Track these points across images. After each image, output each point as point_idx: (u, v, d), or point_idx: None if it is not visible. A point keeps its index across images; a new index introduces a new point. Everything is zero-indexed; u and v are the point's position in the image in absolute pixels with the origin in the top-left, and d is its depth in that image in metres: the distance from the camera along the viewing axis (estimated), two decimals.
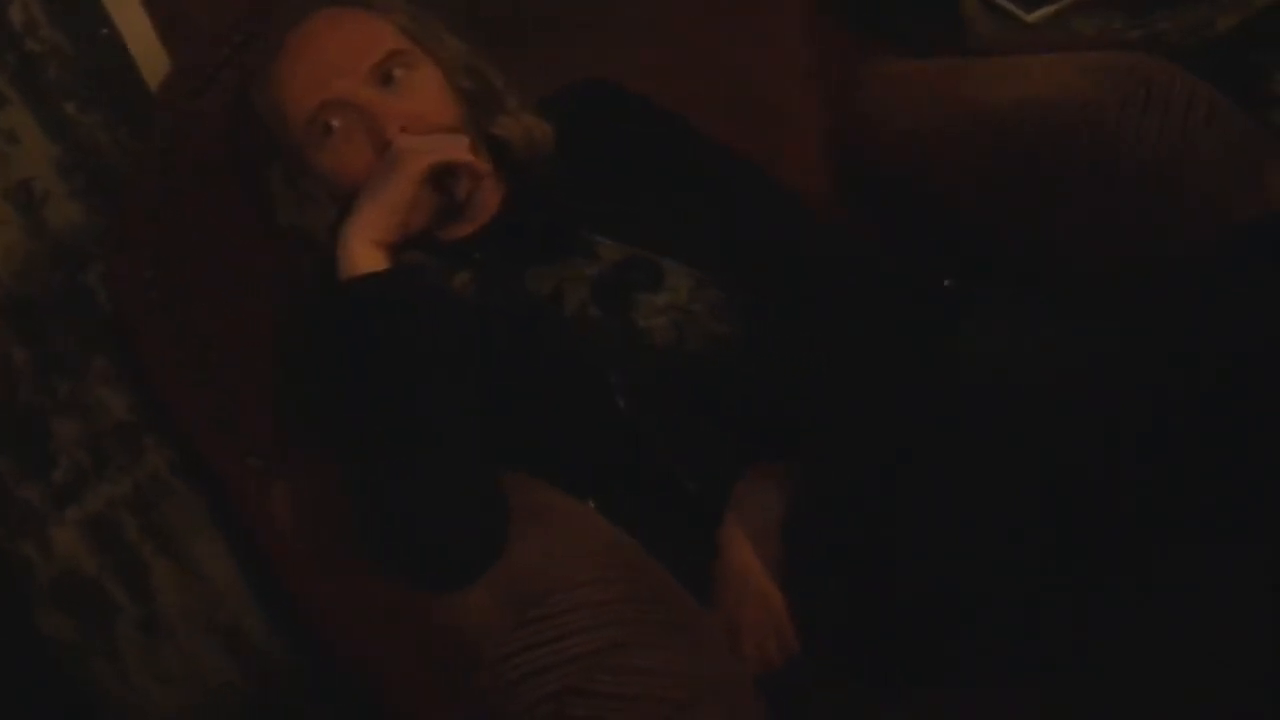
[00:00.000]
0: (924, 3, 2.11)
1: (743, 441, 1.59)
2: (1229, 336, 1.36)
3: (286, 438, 1.74)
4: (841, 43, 2.08)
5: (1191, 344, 1.36)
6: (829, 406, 1.59)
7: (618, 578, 1.40)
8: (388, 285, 1.53)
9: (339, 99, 1.61)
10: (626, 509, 1.55)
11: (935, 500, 1.44)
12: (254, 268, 1.78)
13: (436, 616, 1.44)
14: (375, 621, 1.59)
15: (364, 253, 1.54)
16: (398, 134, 1.58)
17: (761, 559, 1.54)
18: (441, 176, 1.58)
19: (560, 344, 1.63)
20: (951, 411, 1.49)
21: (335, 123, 1.61)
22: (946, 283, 1.73)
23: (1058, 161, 1.73)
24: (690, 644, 1.39)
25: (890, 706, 1.45)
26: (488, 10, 1.91)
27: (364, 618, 1.62)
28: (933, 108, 1.89)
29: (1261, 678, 1.31)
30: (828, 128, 2.03)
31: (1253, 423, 1.31)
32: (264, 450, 1.76)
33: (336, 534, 1.58)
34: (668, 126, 1.79)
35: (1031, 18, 2.10)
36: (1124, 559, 1.36)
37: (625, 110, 1.79)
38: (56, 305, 1.89)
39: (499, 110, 1.72)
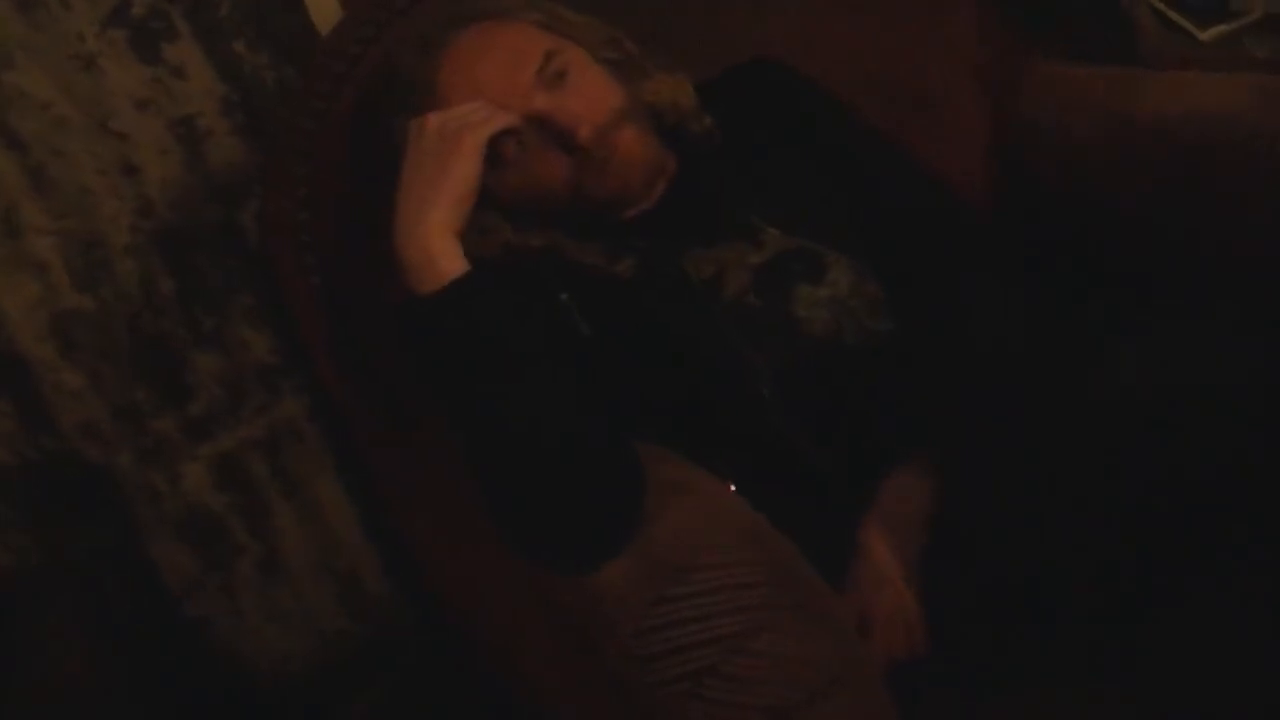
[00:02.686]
0: (1096, 11, 2.08)
1: (888, 438, 1.59)
2: None
3: (417, 402, 1.73)
4: (1009, 43, 2.05)
5: None
6: (969, 410, 1.58)
7: (758, 560, 1.39)
8: (480, 287, 1.47)
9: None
10: (765, 495, 1.53)
11: (1057, 513, 1.45)
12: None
13: (577, 584, 1.42)
14: (501, 587, 1.59)
15: (444, 249, 1.48)
16: (513, 118, 1.55)
17: (899, 555, 1.53)
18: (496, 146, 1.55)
19: (712, 329, 1.61)
20: (1088, 426, 1.48)
21: (517, 141, 1.58)
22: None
23: (1231, 179, 1.69)
24: (827, 632, 1.38)
25: (999, 710, 1.46)
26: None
27: (490, 584, 1.62)
28: (1104, 115, 1.86)
29: None
30: (992, 127, 2.00)
31: None
32: (396, 410, 1.76)
33: (462, 503, 1.56)
34: (836, 114, 1.78)
35: (1205, 35, 2.08)
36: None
37: (795, 94, 1.78)
38: (208, 240, 1.90)
39: (642, 76, 1.70)
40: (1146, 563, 1.42)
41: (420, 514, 1.77)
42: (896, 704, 1.42)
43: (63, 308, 1.83)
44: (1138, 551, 1.42)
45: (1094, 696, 1.42)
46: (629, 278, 1.63)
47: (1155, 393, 1.44)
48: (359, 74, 1.81)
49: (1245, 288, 1.65)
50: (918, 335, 1.63)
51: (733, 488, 1.56)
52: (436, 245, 1.47)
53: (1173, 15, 2.10)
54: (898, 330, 1.63)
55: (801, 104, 1.77)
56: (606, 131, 1.59)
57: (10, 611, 1.85)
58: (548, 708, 1.59)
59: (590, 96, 1.60)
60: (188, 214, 1.87)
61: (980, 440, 1.55)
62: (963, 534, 1.52)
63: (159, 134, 1.83)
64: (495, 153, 1.55)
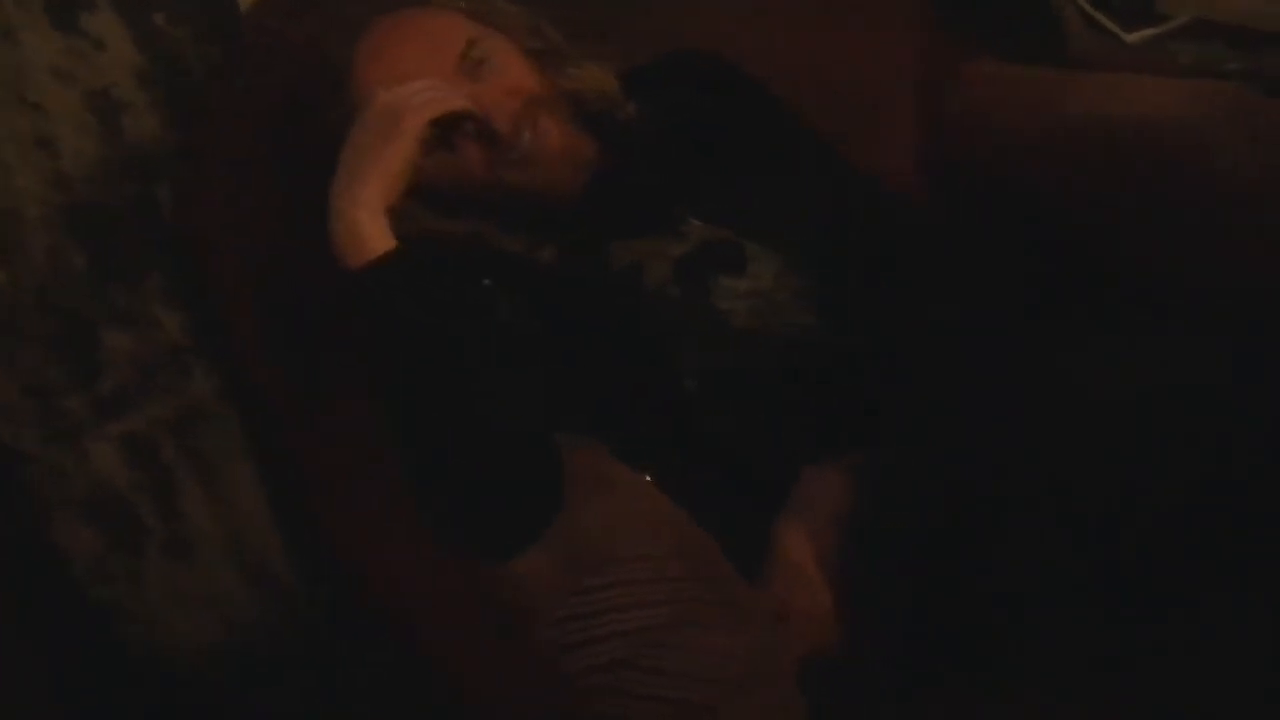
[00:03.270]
0: (1024, 13, 2.09)
1: (810, 431, 1.58)
2: None
3: (339, 378, 1.71)
4: (941, 44, 2.06)
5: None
6: (904, 404, 1.57)
7: (677, 553, 1.38)
8: (406, 266, 1.45)
9: None
10: (685, 488, 1.51)
11: (1002, 511, 1.43)
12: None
13: (498, 571, 1.40)
14: (419, 573, 1.58)
15: (372, 227, 1.45)
16: (463, 102, 1.54)
17: (816, 548, 1.52)
18: (445, 129, 1.53)
19: (632, 319, 1.60)
20: (1028, 423, 1.47)
21: (474, 125, 1.56)
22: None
23: (1165, 180, 1.71)
24: (744, 626, 1.38)
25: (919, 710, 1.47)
26: None
27: (408, 570, 1.61)
28: (1041, 113, 1.87)
29: None
30: (926, 123, 2.01)
31: None
32: (315, 385, 1.74)
33: (379, 483, 1.56)
34: (765, 106, 1.77)
35: (1131, 38, 2.08)
36: (1176, 586, 1.36)
37: (725, 85, 1.77)
38: (123, 216, 1.86)
39: (565, 63, 1.69)
40: (1116, 570, 1.41)
41: (336, 497, 1.75)
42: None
43: None
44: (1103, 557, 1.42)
45: (1091, 697, 1.41)
46: (550, 266, 1.62)
47: (1096, 394, 1.45)
48: (281, 52, 1.79)
49: (1179, 290, 1.68)
50: (845, 330, 1.62)
51: (649, 479, 1.56)
52: (364, 221, 1.45)
53: (1099, 17, 2.10)
54: (824, 325, 1.62)
55: (731, 94, 1.77)
56: (524, 120, 1.58)
57: None
58: (468, 695, 1.59)
59: (509, 85, 1.59)
60: (102, 189, 1.83)
61: (913, 438, 1.54)
62: (899, 526, 1.51)
63: (75, 106, 1.80)
64: (446, 136, 1.54)
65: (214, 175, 1.76)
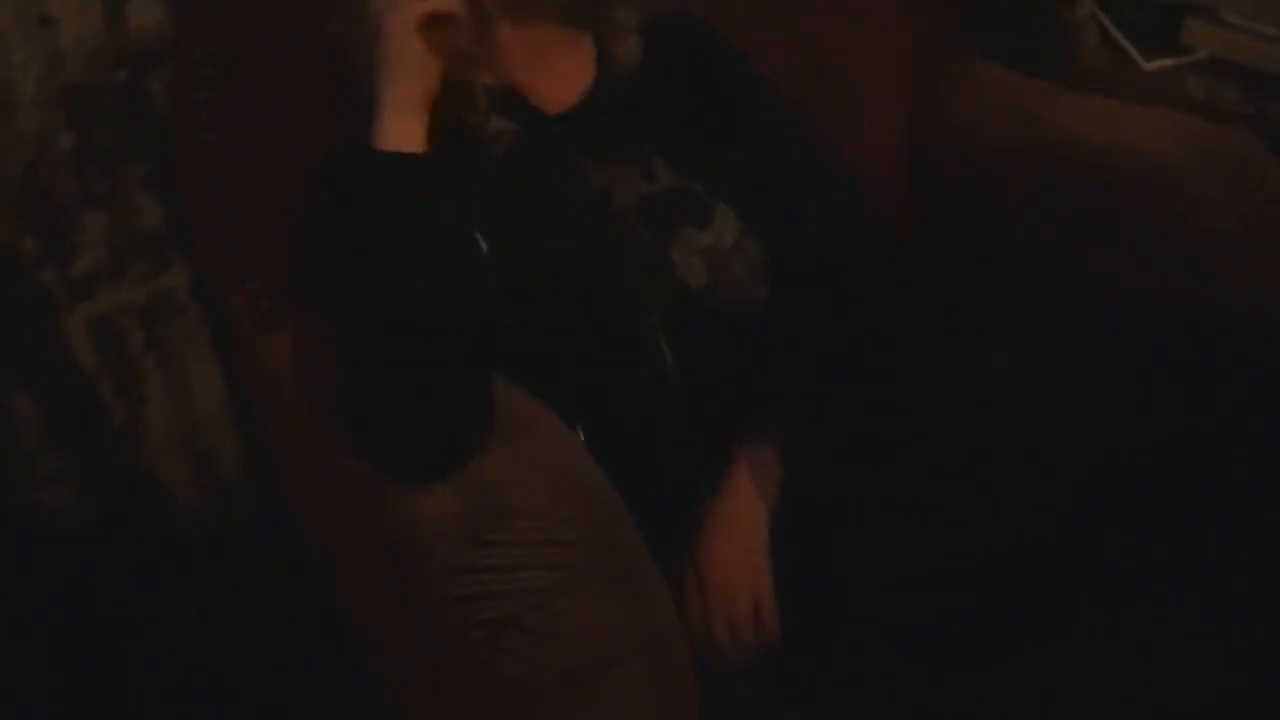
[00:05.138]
0: (1036, 20, 2.08)
1: (750, 400, 1.59)
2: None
3: (296, 289, 1.71)
4: (939, 35, 2.06)
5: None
6: (814, 399, 1.59)
7: (580, 517, 1.40)
8: (402, 167, 1.47)
9: None
10: (614, 446, 1.54)
11: (898, 516, 1.47)
12: (314, 111, 1.73)
13: (401, 503, 1.43)
14: (339, 490, 1.59)
15: (394, 126, 1.47)
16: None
17: (751, 525, 1.54)
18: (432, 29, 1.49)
19: (602, 243, 1.61)
20: (936, 430, 1.49)
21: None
22: None
23: (1129, 209, 1.72)
24: (631, 598, 1.39)
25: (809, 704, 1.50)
26: None
27: (329, 484, 1.62)
28: (1022, 125, 1.87)
29: None
30: (908, 116, 2.01)
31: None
32: (271, 294, 1.75)
33: (319, 398, 1.56)
34: (749, 83, 1.77)
35: (1150, 66, 2.08)
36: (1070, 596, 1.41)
37: (713, 56, 1.77)
38: (114, 101, 1.87)
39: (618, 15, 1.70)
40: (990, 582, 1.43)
41: (277, 403, 1.76)
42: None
43: None
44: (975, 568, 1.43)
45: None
46: (532, 174, 1.62)
47: (1005, 407, 1.46)
48: None
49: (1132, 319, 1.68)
50: (784, 306, 1.64)
51: (582, 435, 1.57)
52: (390, 121, 1.47)
53: (1121, 40, 2.09)
54: (772, 298, 1.64)
55: (712, 59, 1.77)
56: None
57: None
58: (358, 622, 1.60)
59: None
60: (97, 73, 1.84)
61: (827, 431, 1.56)
62: (800, 519, 1.54)
63: None
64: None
65: (199, 67, 1.74)
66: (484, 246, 1.56)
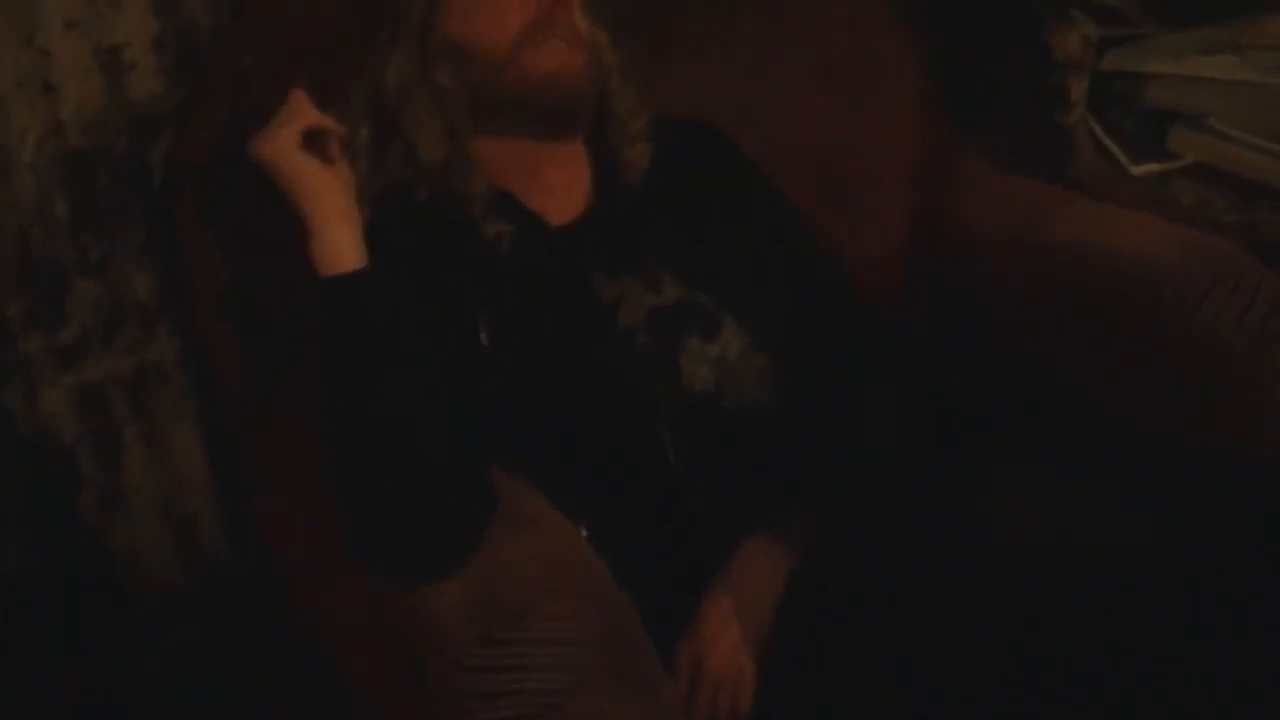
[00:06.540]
0: (1036, 123, 2.09)
1: (754, 502, 1.58)
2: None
3: (296, 373, 1.70)
4: (943, 136, 2.07)
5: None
6: (831, 508, 1.58)
7: (592, 617, 1.40)
8: (369, 281, 1.47)
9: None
10: (618, 543, 1.54)
11: (930, 606, 1.44)
12: None
13: (409, 596, 1.43)
14: (338, 583, 1.58)
15: (324, 250, 1.47)
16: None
17: (742, 619, 1.53)
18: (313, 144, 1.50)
19: (609, 350, 1.61)
20: (949, 554, 1.47)
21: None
22: None
23: (1134, 318, 1.72)
24: (647, 700, 1.39)
25: None
26: None
27: (327, 578, 1.61)
28: (1023, 229, 1.88)
29: None
30: (909, 215, 2.02)
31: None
32: (270, 376, 1.74)
33: (314, 492, 1.53)
34: (765, 196, 1.79)
35: (1136, 170, 2.10)
36: None
37: (731, 166, 1.79)
38: (111, 170, 1.86)
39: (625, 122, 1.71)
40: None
41: (273, 493, 1.75)
42: None
43: None
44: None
45: None
46: (540, 277, 1.62)
47: (1017, 537, 1.44)
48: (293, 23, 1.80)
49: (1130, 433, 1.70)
50: (796, 416, 1.63)
51: (585, 533, 1.56)
52: (319, 245, 1.47)
53: (1109, 143, 2.12)
54: (779, 405, 1.63)
55: (724, 169, 1.78)
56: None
57: None
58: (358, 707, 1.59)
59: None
60: (96, 142, 1.83)
61: (842, 543, 1.55)
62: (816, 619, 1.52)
63: (83, 57, 1.79)
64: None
65: (200, 136, 1.75)
66: (484, 339, 1.56)
